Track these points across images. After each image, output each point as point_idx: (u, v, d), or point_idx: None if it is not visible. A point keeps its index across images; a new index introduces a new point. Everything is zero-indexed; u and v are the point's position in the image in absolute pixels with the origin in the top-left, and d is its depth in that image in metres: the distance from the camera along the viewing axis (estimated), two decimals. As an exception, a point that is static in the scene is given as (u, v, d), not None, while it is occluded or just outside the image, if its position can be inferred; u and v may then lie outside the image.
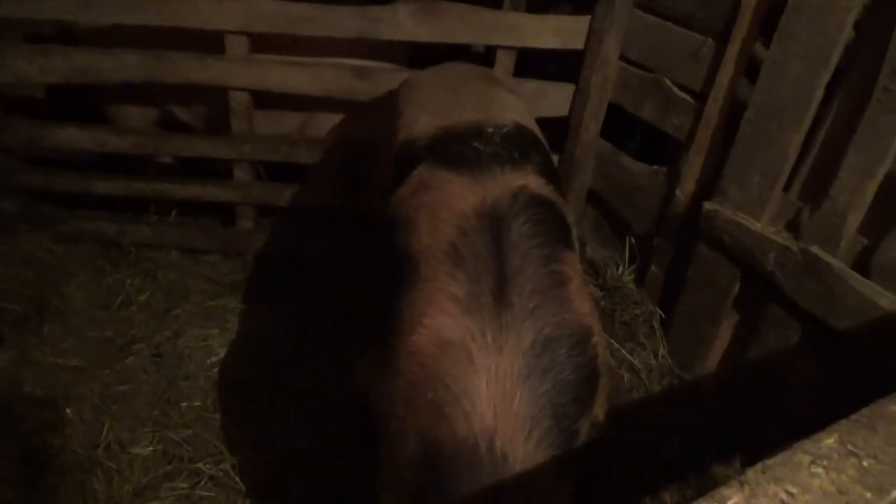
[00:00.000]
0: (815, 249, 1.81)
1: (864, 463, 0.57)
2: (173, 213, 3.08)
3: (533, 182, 1.61)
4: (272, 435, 2.29)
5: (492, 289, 1.34)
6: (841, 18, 1.72)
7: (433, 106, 1.93)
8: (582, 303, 1.42)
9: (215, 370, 2.53)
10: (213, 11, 2.49)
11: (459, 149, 1.69)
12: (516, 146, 1.74)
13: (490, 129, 1.76)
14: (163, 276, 2.90)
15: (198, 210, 3.14)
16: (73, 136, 2.78)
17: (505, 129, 1.78)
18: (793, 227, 1.92)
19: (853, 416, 0.64)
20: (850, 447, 0.59)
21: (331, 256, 3.02)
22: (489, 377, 1.24)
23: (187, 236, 3.02)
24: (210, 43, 2.59)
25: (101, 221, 2.98)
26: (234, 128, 2.75)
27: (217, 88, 2.64)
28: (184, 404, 2.37)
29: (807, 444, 0.59)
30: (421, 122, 1.87)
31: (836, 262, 1.77)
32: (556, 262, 1.44)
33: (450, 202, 1.52)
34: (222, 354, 2.59)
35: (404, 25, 2.50)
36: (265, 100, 2.74)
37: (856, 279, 1.73)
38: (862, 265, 1.76)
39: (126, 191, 2.91)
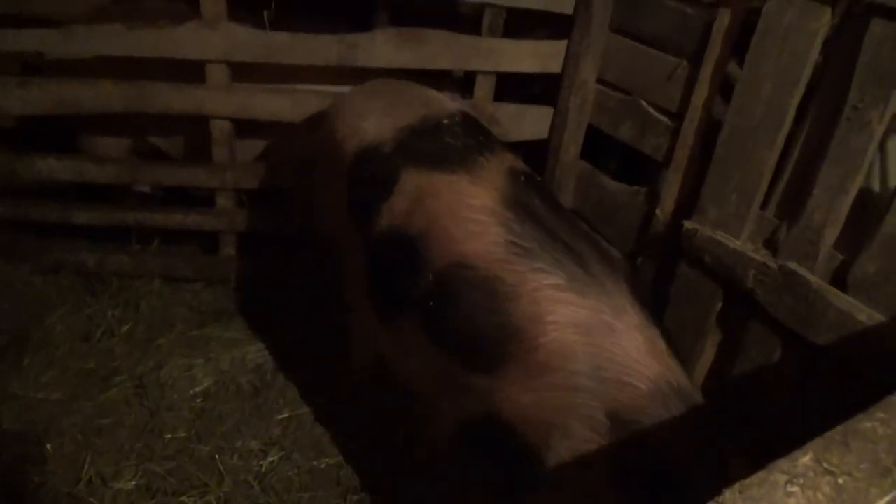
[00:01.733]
0: (793, 265, 1.84)
1: (840, 480, 0.58)
2: (155, 241, 3.07)
3: (511, 160, 1.75)
4: (259, 466, 2.26)
5: (577, 265, 1.47)
6: (809, 40, 1.76)
7: (373, 112, 1.93)
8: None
9: (199, 400, 2.51)
10: (193, 41, 2.50)
11: (435, 147, 1.73)
12: (476, 132, 1.85)
13: (446, 121, 1.83)
14: (145, 306, 2.88)
15: (180, 238, 3.13)
16: (52, 167, 2.76)
17: (458, 119, 1.86)
18: (771, 245, 1.94)
19: (828, 434, 0.65)
20: (825, 465, 0.59)
21: (314, 281, 3.02)
22: (634, 334, 1.39)
23: (169, 265, 3.00)
24: (175, 70, 2.59)
25: (82, 252, 2.95)
26: (216, 156, 2.74)
27: (196, 116, 2.64)
28: (167, 436, 2.34)
29: (783, 463, 0.60)
30: (370, 129, 1.87)
31: (814, 278, 1.79)
32: (579, 222, 1.66)
33: (467, 202, 1.57)
34: (206, 384, 2.57)
35: (383, 52, 2.52)
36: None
37: (834, 294, 1.75)
38: (839, 280, 1.78)
39: (106, 220, 2.89)
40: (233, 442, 2.35)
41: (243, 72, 2.63)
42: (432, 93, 2.12)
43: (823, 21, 1.74)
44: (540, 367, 1.39)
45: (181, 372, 2.59)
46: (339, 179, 1.93)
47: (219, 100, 2.61)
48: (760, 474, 0.59)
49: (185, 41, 2.50)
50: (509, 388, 1.44)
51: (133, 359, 2.64)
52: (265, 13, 2.76)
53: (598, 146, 2.76)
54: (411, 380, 1.82)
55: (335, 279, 2.39)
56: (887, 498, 0.57)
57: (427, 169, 1.68)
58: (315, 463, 2.29)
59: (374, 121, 1.89)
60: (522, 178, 1.65)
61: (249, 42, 2.52)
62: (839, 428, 0.66)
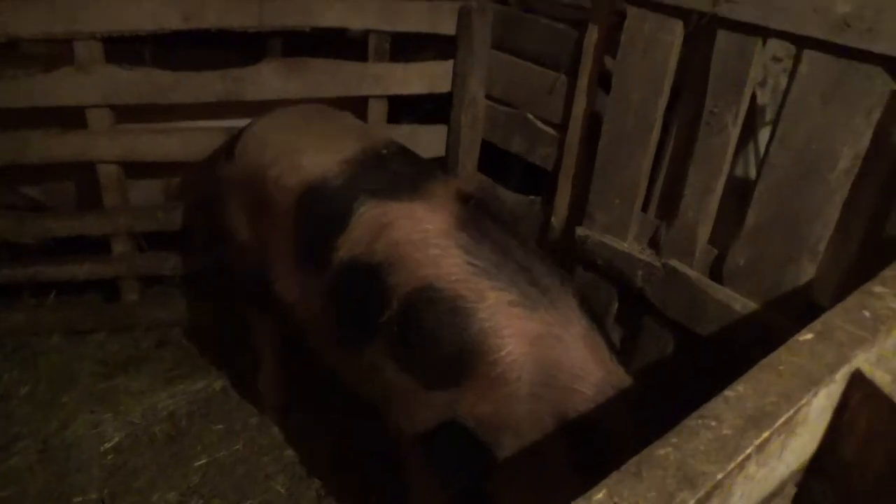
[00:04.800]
0: (674, 263, 1.94)
1: (626, 514, 0.63)
2: (52, 294, 2.93)
3: (457, 184, 1.85)
4: (176, 518, 2.20)
5: (529, 282, 1.56)
6: (665, 52, 1.88)
7: (309, 148, 1.94)
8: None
9: (111, 457, 2.41)
10: (70, 87, 2.41)
11: (385, 177, 1.81)
12: (415, 159, 1.96)
13: (385, 151, 1.92)
14: (45, 363, 2.74)
15: (79, 287, 3.00)
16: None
17: (394, 148, 1.96)
18: (654, 244, 2.05)
19: (623, 467, 0.70)
20: (615, 499, 0.64)
21: (223, 321, 2.96)
22: (579, 344, 1.51)
23: (68, 317, 2.87)
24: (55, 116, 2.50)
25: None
26: (106, 201, 2.65)
27: (79, 163, 2.55)
28: (77, 499, 2.24)
29: (578, 502, 0.64)
30: (312, 165, 1.88)
31: (693, 273, 1.91)
32: (529, 240, 1.79)
33: (427, 228, 1.65)
34: (117, 438, 2.47)
35: (269, 84, 2.51)
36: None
37: (712, 287, 1.86)
38: (716, 273, 1.89)
39: (-6, 279, 2.75)
40: (149, 496, 2.27)
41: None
42: (353, 120, 2.23)
43: (678, 33, 1.85)
44: (496, 378, 1.50)
45: (88, 429, 2.49)
46: (279, 217, 1.93)
47: (102, 145, 2.52)
48: (554, 518, 0.63)
49: (60, 88, 2.41)
50: (468, 399, 1.54)
51: (35, 421, 2.51)
52: (146, 51, 2.71)
53: (502, 156, 2.82)
54: (378, 403, 1.88)
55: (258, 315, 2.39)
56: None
57: (383, 199, 1.74)
58: (238, 509, 2.25)
59: (313, 157, 1.91)
60: (473, 202, 1.75)
61: (131, 83, 2.46)
62: (635, 458, 0.72)
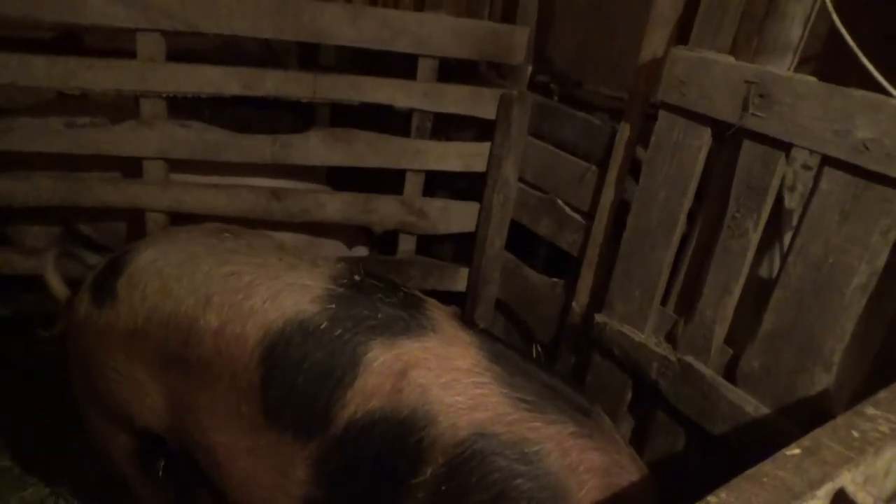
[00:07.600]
0: (690, 359, 1.97)
1: None
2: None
3: (442, 306, 1.74)
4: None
5: (571, 406, 1.51)
6: (693, 155, 1.96)
7: (251, 286, 1.62)
8: None
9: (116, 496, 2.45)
10: (131, 140, 2.58)
11: (379, 311, 1.58)
12: (388, 280, 1.75)
13: (357, 278, 1.69)
14: (70, 397, 2.82)
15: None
16: (-19, 260, 2.76)
17: (359, 269, 1.74)
18: (671, 339, 2.08)
19: None
20: None
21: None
22: (632, 464, 1.52)
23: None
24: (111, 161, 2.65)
25: (8, 343, 2.91)
26: (150, 247, 2.79)
27: (131, 210, 2.70)
28: (83, 537, 2.28)
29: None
30: (271, 308, 1.58)
31: (708, 372, 1.93)
32: (534, 357, 1.88)
33: (456, 366, 1.50)
34: (128, 479, 2.51)
35: (315, 151, 2.66)
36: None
37: (726, 387, 1.88)
38: (731, 374, 1.91)
39: (33, 310, 2.87)
40: (153, 541, 2.29)
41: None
42: (276, 237, 1.92)
43: (705, 139, 1.94)
44: None
45: (101, 467, 2.54)
46: (226, 377, 1.61)
47: (154, 195, 2.68)
48: None
49: (122, 139, 2.58)
50: None
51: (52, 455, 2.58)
52: (205, 108, 2.90)
53: (531, 234, 2.91)
54: None
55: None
56: None
57: (390, 339, 1.54)
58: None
59: (271, 299, 1.60)
60: (480, 327, 1.65)
61: (186, 140, 2.62)
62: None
